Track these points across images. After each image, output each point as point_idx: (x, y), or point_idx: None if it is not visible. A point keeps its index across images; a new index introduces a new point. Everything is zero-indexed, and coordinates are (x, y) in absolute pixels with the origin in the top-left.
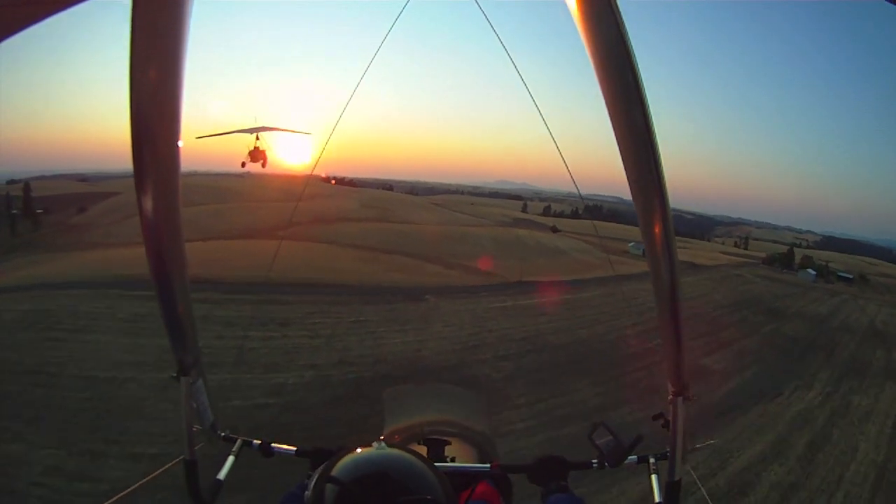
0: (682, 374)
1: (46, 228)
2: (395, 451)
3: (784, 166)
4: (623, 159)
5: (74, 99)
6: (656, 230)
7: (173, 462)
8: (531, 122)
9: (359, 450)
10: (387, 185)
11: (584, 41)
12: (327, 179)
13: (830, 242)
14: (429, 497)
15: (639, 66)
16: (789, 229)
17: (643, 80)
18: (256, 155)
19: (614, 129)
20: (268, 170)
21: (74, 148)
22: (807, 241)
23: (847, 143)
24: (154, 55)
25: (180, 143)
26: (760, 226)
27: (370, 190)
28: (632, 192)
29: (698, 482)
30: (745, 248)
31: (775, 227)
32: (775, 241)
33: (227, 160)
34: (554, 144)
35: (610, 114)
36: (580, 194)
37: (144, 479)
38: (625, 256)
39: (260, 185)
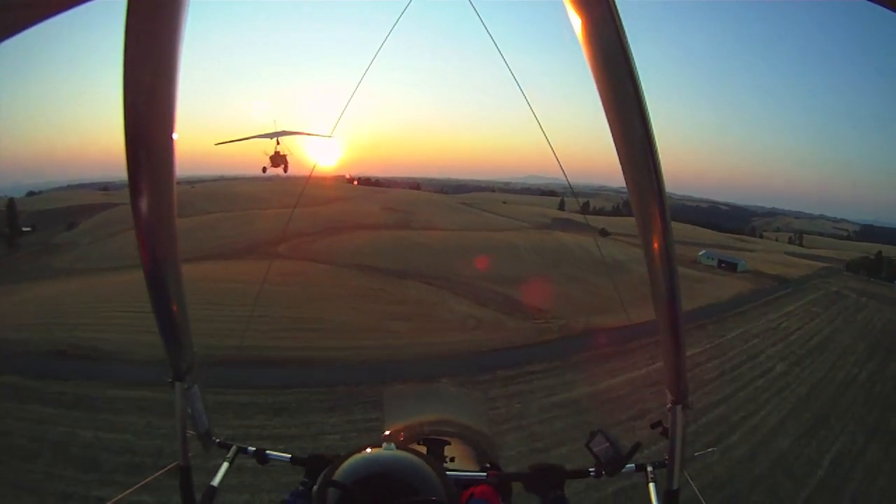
0: (682, 382)
1: (23, 250)
2: (399, 453)
3: (810, 152)
4: (622, 166)
5: (100, 106)
6: (655, 236)
7: (167, 468)
8: (560, 115)
9: (368, 450)
10: (414, 184)
11: (583, 51)
12: (351, 180)
13: (870, 232)
14: (433, 498)
15: (639, 74)
16: (823, 218)
17: (643, 87)
18: (277, 159)
19: (613, 135)
20: (294, 172)
21: (102, 156)
22: (846, 230)
23: (876, 127)
24: (148, 55)
25: (175, 137)
26: (798, 216)
27: (395, 190)
28: (630, 198)
29: (697, 491)
30: (801, 245)
31: (811, 217)
32: (820, 234)
33: (255, 163)
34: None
35: (609, 121)
36: (570, 187)
37: (137, 485)
38: (697, 268)
39: (283, 189)
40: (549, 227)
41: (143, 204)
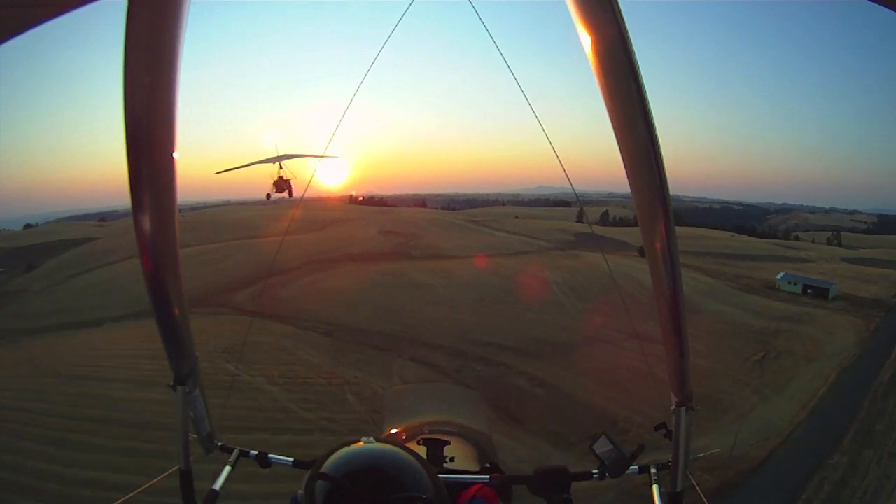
0: (686, 384)
1: None
2: (386, 447)
3: (812, 146)
4: (626, 170)
5: (102, 135)
6: (658, 238)
7: (168, 472)
8: (566, 122)
9: (361, 443)
10: (420, 201)
11: (586, 54)
12: (354, 199)
13: (888, 222)
14: (424, 496)
15: (642, 75)
16: (836, 210)
17: (646, 89)
18: (281, 184)
19: (617, 137)
20: (305, 194)
21: (103, 185)
22: (864, 222)
23: (875, 118)
24: (148, 63)
25: (176, 156)
26: (812, 210)
27: (400, 209)
28: (634, 199)
29: (700, 493)
30: (839, 245)
31: (824, 210)
32: (843, 229)
33: (262, 188)
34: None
35: (612, 122)
36: (578, 197)
37: (138, 490)
38: (780, 297)
39: (283, 213)
40: (574, 245)
41: (145, 210)
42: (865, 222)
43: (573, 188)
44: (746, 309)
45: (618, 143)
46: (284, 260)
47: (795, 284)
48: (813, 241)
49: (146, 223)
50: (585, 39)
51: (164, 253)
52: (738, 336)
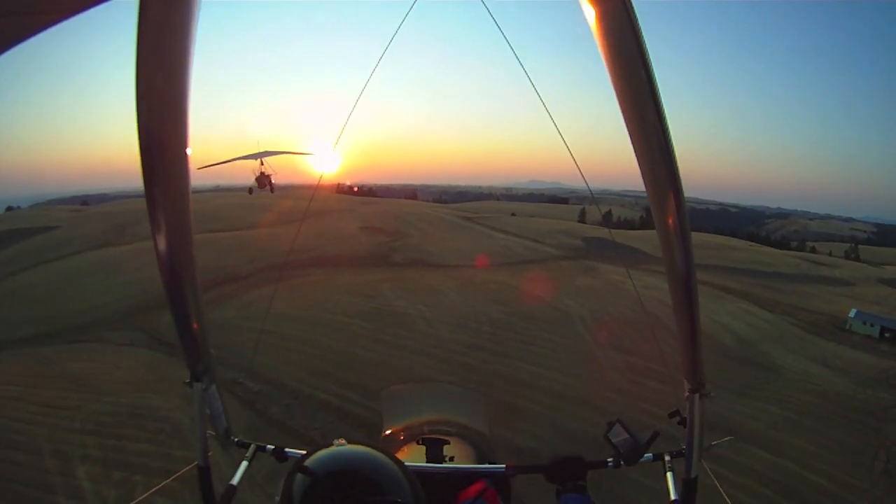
0: (699, 370)
1: None
2: (367, 450)
3: (806, 151)
4: (637, 156)
5: (89, 119)
6: (671, 226)
7: (187, 468)
8: (557, 118)
9: (339, 447)
10: (411, 193)
11: (595, 38)
12: (342, 190)
13: (887, 232)
14: (400, 500)
15: (652, 63)
16: (831, 217)
17: (656, 76)
18: (263, 180)
19: (627, 125)
20: (295, 181)
21: (89, 168)
22: (863, 231)
23: (873, 124)
24: (160, 58)
25: (189, 152)
26: (812, 216)
27: (388, 201)
28: (646, 188)
29: (714, 479)
30: (857, 259)
31: (820, 217)
32: (844, 238)
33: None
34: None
35: (622, 110)
36: (593, 195)
37: (158, 486)
38: (856, 344)
39: (258, 202)
40: (585, 254)
41: (159, 207)
42: (865, 231)
43: (589, 188)
44: (830, 365)
45: (627, 127)
46: (235, 265)
47: (872, 326)
48: (830, 254)
49: (161, 221)
50: (591, 17)
51: (179, 250)
52: (840, 419)
